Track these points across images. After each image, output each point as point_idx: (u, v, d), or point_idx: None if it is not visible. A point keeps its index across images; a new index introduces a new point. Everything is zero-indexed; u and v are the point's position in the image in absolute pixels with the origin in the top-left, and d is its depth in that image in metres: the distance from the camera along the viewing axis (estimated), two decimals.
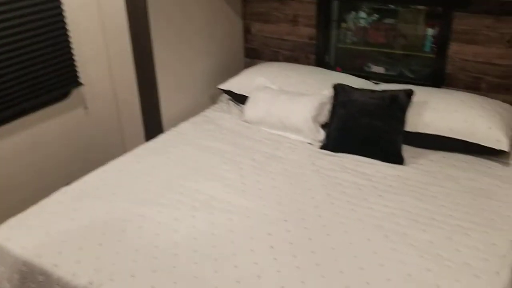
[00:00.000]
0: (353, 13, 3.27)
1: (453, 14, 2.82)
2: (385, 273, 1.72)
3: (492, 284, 1.65)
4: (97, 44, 2.86)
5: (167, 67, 3.00)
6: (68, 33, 2.58)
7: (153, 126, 3.05)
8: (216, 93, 3.47)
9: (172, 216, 2.05)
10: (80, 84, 2.69)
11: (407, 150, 2.55)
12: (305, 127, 2.73)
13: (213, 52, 3.43)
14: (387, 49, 3.20)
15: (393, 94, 2.57)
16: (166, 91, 3.04)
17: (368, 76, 3.19)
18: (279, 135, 2.83)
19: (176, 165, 2.48)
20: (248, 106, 2.99)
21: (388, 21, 3.16)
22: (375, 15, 3.19)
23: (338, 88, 2.76)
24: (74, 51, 2.64)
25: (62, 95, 2.65)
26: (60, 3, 2.52)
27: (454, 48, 2.87)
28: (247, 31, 3.70)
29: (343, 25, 3.34)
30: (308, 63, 3.47)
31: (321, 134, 2.74)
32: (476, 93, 2.81)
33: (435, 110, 2.57)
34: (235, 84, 3.23)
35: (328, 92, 2.87)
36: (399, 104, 2.55)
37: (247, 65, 3.75)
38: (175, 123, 3.05)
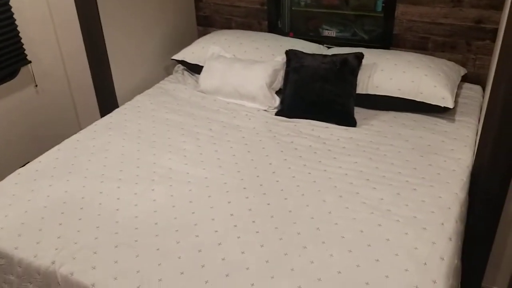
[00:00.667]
0: None
1: None
2: (340, 231, 1.80)
3: (437, 235, 1.76)
4: (44, 20, 2.78)
5: (117, 40, 2.96)
6: (11, 10, 2.50)
7: (107, 101, 3.01)
8: (171, 64, 3.45)
9: (131, 191, 2.08)
10: (28, 61, 2.63)
11: (359, 112, 2.63)
12: (260, 94, 2.77)
13: (164, 22, 3.38)
14: (340, 10, 3.23)
15: (344, 58, 2.63)
16: (118, 64, 3.00)
17: (321, 40, 3.22)
18: (235, 103, 2.86)
19: (132, 139, 2.49)
20: (203, 76, 3.00)
21: None
22: None
23: (291, 54, 2.80)
24: (20, 28, 2.57)
25: (10, 74, 2.59)
26: None
27: (401, 9, 2.93)
28: None
29: None
30: (261, 30, 3.48)
31: (276, 101, 2.79)
32: (424, 53, 2.90)
33: (383, 72, 2.64)
34: (188, 54, 3.21)
35: (281, 59, 2.91)
36: (349, 68, 2.61)
37: (200, 34, 3.72)
38: (130, 96, 3.02)
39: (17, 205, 2.02)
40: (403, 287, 1.56)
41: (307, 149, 2.35)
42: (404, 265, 1.64)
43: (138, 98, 2.96)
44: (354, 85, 2.60)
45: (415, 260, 1.65)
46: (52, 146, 2.45)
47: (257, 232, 1.83)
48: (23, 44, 2.57)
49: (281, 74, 2.84)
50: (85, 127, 2.67)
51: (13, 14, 2.52)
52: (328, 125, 2.55)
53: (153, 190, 2.08)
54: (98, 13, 2.71)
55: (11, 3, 2.51)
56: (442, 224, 1.82)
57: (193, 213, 1.94)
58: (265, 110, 2.76)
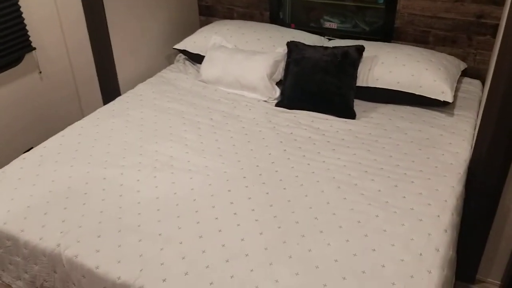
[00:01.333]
0: None
1: None
2: (337, 221, 1.85)
3: (433, 226, 1.81)
4: (49, 7, 2.80)
5: (120, 28, 2.98)
6: None
7: (110, 89, 3.04)
8: (172, 53, 3.47)
9: (134, 178, 2.11)
10: (32, 48, 2.65)
11: (358, 105, 2.66)
12: (261, 85, 2.80)
13: (167, 11, 3.40)
14: (342, 1, 3.25)
15: (345, 51, 2.65)
16: (121, 52, 3.02)
17: (322, 32, 3.25)
18: (236, 94, 2.88)
19: (135, 127, 2.52)
20: (204, 66, 3.02)
21: None
22: None
23: (292, 46, 2.82)
24: (24, 15, 2.58)
25: (15, 60, 2.61)
26: None
27: (402, 2, 2.95)
28: None
29: None
30: (263, 20, 3.49)
31: (277, 92, 2.82)
32: (424, 47, 2.93)
33: (384, 65, 2.67)
34: (190, 43, 3.23)
35: (282, 50, 2.93)
36: (350, 60, 2.63)
37: (202, 24, 3.74)
38: (132, 85, 3.05)
39: (22, 189, 2.05)
40: (399, 277, 1.60)
41: (306, 140, 2.38)
42: (400, 255, 1.68)
43: (140, 86, 2.99)
44: (354, 77, 2.63)
45: (411, 251, 1.70)
46: (55, 132, 2.48)
47: (256, 220, 1.87)
48: (27, 31, 2.59)
49: (282, 65, 2.86)
50: (87, 114, 2.69)
51: (18, 1, 2.53)
52: (327, 116, 2.59)
53: (155, 177, 2.12)
54: (102, 2, 2.72)
55: None
56: (438, 216, 1.86)
57: (194, 200, 1.98)
58: (265, 101, 2.79)
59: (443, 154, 2.23)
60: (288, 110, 2.67)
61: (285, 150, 2.31)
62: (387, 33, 3.06)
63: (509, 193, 2.19)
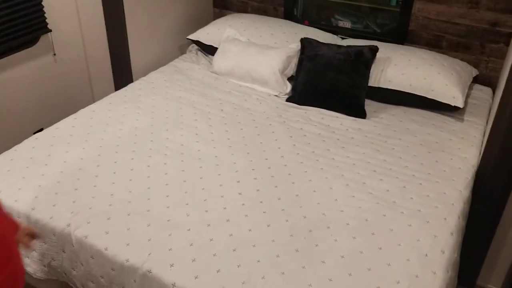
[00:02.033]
0: None
1: None
2: (345, 218, 1.86)
3: (439, 229, 1.82)
4: None
5: (136, 16, 2.98)
6: None
7: (122, 75, 3.05)
8: (185, 43, 3.48)
9: (144, 163, 2.13)
10: (48, 30, 2.66)
11: (369, 105, 2.68)
12: (273, 79, 2.81)
13: (183, 1, 3.40)
14: (354, 1, 3.25)
15: (359, 50, 2.66)
16: (135, 39, 3.03)
17: (334, 30, 3.26)
18: (247, 87, 2.90)
19: (146, 114, 2.53)
20: (217, 58, 3.03)
21: None
22: None
23: (306, 42, 2.83)
24: None
25: (30, 41, 2.62)
26: None
27: (418, 5, 2.96)
28: None
29: None
30: (277, 16, 3.50)
31: (288, 87, 2.83)
32: (437, 51, 2.94)
33: (397, 67, 2.68)
34: (204, 34, 3.24)
35: (296, 46, 2.94)
36: (363, 60, 2.64)
37: (216, 16, 3.75)
38: (144, 72, 3.06)
39: (34, 168, 2.07)
40: (404, 276, 1.61)
41: (316, 137, 2.40)
42: (406, 255, 1.70)
43: (152, 74, 3.00)
44: (366, 77, 2.64)
45: (417, 251, 1.71)
46: (66, 115, 2.49)
47: (264, 212, 1.88)
48: (45, 13, 2.60)
49: (295, 61, 2.87)
50: (98, 99, 2.70)
51: None
52: (338, 114, 2.60)
53: (165, 164, 2.13)
54: None
55: None
56: (445, 219, 1.87)
57: (203, 189, 1.99)
58: (276, 96, 2.80)
59: (451, 159, 2.25)
60: (298, 106, 2.68)
61: (294, 145, 2.32)
62: (400, 35, 3.07)
63: None
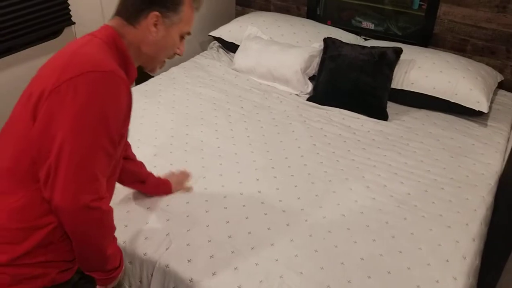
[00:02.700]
0: None
1: None
2: (365, 220, 1.84)
3: (461, 234, 1.79)
4: None
5: None
6: None
7: (143, 69, 3.05)
8: (206, 40, 3.48)
9: (166, 160, 2.12)
10: (72, 22, 2.67)
11: (391, 107, 2.65)
12: (294, 78, 2.79)
13: None
14: (376, 3, 3.22)
15: (382, 51, 2.63)
16: None
17: (357, 31, 3.23)
18: (267, 85, 2.88)
19: (166, 109, 2.53)
20: (238, 55, 3.02)
21: None
22: None
23: (329, 42, 2.81)
24: None
25: (54, 32, 2.63)
26: None
27: (444, 8, 2.92)
28: None
29: None
30: (299, 15, 3.48)
31: (309, 87, 2.81)
32: (462, 55, 2.89)
33: (420, 69, 2.65)
34: (225, 31, 3.24)
35: (318, 45, 2.92)
36: (387, 61, 2.61)
37: (238, 14, 3.74)
38: (165, 67, 3.06)
39: None
40: (424, 280, 1.59)
41: (337, 137, 2.37)
42: (427, 259, 1.67)
43: (173, 69, 3.00)
44: (390, 79, 2.61)
45: (438, 256, 1.68)
46: None
47: (283, 211, 1.87)
48: (69, 5, 2.61)
49: (317, 60, 2.85)
50: None
51: None
52: (359, 116, 2.57)
53: (186, 162, 2.12)
54: None
55: None
56: (467, 224, 1.84)
57: (222, 186, 1.98)
58: (296, 95, 2.79)
59: (474, 164, 2.21)
60: (319, 105, 2.66)
61: (314, 145, 2.30)
62: (424, 38, 3.03)
63: None
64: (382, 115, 2.55)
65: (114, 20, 1.28)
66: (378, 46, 2.71)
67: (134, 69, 1.32)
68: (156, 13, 1.25)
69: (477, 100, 2.49)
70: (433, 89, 2.58)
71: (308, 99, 2.72)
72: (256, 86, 2.86)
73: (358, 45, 2.78)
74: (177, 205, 1.85)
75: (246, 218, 1.81)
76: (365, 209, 1.89)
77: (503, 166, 2.21)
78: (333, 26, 3.23)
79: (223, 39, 3.24)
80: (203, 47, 3.48)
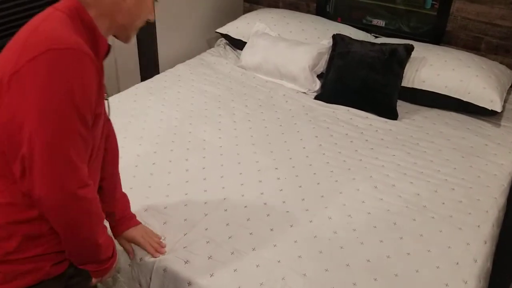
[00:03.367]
0: None
1: None
2: (372, 221, 1.77)
3: (472, 236, 1.72)
4: None
5: (166, 7, 2.95)
6: None
7: (149, 66, 3.02)
8: (213, 37, 3.43)
9: (166, 158, 2.07)
10: None
11: (401, 106, 2.58)
12: (302, 76, 2.73)
13: None
14: (388, 3, 3.16)
15: (393, 48, 2.56)
16: (163, 30, 2.99)
17: (367, 29, 3.16)
18: (274, 82, 2.83)
19: (171, 106, 2.48)
20: (245, 52, 2.97)
21: None
22: None
23: (338, 39, 2.75)
24: None
25: None
26: None
27: (457, 5, 2.84)
28: None
29: None
30: (309, 12, 3.42)
31: (317, 85, 2.75)
32: (475, 53, 2.81)
33: (432, 67, 2.57)
34: (233, 28, 3.19)
35: (327, 43, 2.86)
36: (398, 58, 2.54)
37: (246, 10, 3.69)
38: (171, 64, 3.02)
39: None
40: (433, 283, 1.52)
41: (343, 137, 2.31)
42: (436, 262, 1.60)
43: (179, 66, 2.96)
44: (400, 77, 2.54)
45: (448, 259, 1.62)
46: None
47: (287, 212, 1.81)
48: None
49: (325, 58, 2.79)
50: (123, 89, 2.68)
51: None
52: (368, 115, 2.50)
53: (186, 160, 2.07)
54: None
55: None
56: (478, 226, 1.77)
57: (223, 188, 1.92)
58: (304, 93, 2.73)
59: (486, 164, 2.14)
60: (327, 104, 2.60)
61: (320, 145, 2.24)
62: (437, 35, 2.95)
63: None
64: (392, 114, 2.48)
65: None
66: (389, 43, 2.64)
67: (104, 42, 1.20)
68: None
69: (490, 99, 2.42)
70: (445, 88, 2.51)
71: (316, 97, 2.66)
72: (262, 83, 2.81)
73: (368, 42, 2.71)
74: (175, 207, 1.79)
75: (248, 219, 1.75)
76: (372, 210, 1.83)
77: None
78: (342, 23, 3.16)
79: (230, 36, 3.19)
80: (210, 44, 3.43)
